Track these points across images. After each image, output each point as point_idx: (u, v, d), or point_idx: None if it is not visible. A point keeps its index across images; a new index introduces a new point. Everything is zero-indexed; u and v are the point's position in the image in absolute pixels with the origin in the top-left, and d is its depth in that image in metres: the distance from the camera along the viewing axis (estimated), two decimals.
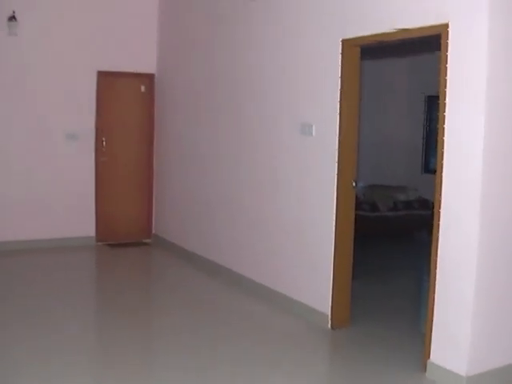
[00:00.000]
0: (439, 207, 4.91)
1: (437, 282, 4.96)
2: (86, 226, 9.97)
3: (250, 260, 7.61)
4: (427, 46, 6.11)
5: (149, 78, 10.30)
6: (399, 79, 12.56)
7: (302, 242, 6.60)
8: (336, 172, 6.07)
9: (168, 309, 7.02)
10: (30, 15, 9.30)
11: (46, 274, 8.41)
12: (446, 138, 4.85)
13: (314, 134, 6.37)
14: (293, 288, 6.74)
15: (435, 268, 4.97)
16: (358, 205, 9.86)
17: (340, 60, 5.98)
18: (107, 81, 9.98)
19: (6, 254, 9.10)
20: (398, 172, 12.44)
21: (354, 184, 6.14)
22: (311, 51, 6.47)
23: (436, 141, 4.99)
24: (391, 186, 11.64)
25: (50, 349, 5.55)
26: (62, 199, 9.77)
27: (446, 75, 4.81)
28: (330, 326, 6.17)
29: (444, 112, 4.85)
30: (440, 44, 4.87)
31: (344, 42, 5.93)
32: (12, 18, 9.05)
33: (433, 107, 11.32)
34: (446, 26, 4.77)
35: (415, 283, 7.15)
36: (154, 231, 10.45)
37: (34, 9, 9.36)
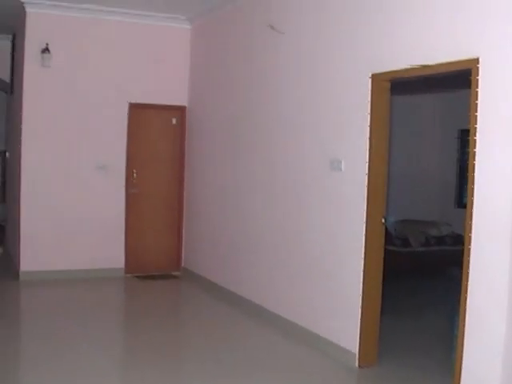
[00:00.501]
0: (469, 243, 4.81)
1: (466, 322, 4.82)
2: (115, 258, 9.97)
3: (276, 295, 7.52)
4: (458, 81, 6.02)
5: (180, 111, 10.33)
6: (432, 113, 12.49)
7: (329, 278, 6.49)
8: (365, 208, 5.97)
9: (194, 343, 6.97)
10: (64, 47, 9.42)
11: (74, 305, 8.41)
12: (476, 174, 4.76)
13: (343, 169, 6.30)
14: (320, 324, 6.63)
15: (464, 307, 4.83)
16: (390, 240, 9.82)
17: (369, 95, 5.92)
18: (139, 112, 10.04)
19: (35, 284, 9.17)
20: (430, 207, 12.31)
21: (383, 220, 6.05)
22: (340, 85, 6.42)
23: None
24: (423, 220, 11.51)
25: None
26: (91, 230, 9.79)
27: (476, 111, 4.72)
28: (357, 364, 6.03)
29: (474, 148, 4.77)
30: (470, 80, 4.80)
31: (374, 76, 5.87)
32: (45, 50, 9.17)
33: (467, 141, 11.20)
34: (476, 61, 4.69)
35: (446, 321, 6.99)
36: (183, 264, 10.41)
37: (68, 41, 9.49)
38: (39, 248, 9.46)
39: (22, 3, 9.11)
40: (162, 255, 10.46)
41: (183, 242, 10.44)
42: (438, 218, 11.71)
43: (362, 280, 5.98)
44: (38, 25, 9.29)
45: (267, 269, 7.76)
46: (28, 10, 9.19)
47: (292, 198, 7.26)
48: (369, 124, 5.93)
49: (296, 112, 7.23)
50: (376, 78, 5.88)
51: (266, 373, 5.97)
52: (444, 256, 10.57)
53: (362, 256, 5.98)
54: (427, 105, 12.42)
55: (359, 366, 6.02)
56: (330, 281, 6.50)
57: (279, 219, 7.52)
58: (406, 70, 5.49)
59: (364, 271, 5.98)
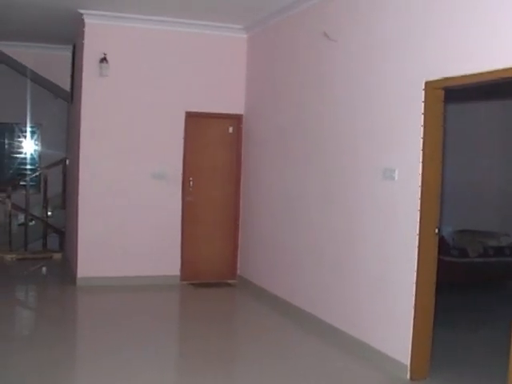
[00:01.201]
0: None
1: None
2: (171, 265, 10.03)
3: (329, 304, 7.47)
4: None
5: (237, 119, 10.36)
6: (490, 121, 12.26)
7: (382, 288, 6.43)
8: (418, 218, 5.89)
9: (247, 353, 6.98)
10: (121, 57, 9.57)
11: (129, 311, 8.54)
12: None
13: (396, 178, 6.24)
14: (371, 334, 6.56)
15: None
16: (447, 250, 9.69)
17: (423, 103, 5.85)
18: (195, 121, 10.11)
19: (92, 290, 9.33)
20: (489, 217, 12.07)
21: (436, 231, 5.96)
22: (394, 93, 6.36)
23: None
24: (482, 231, 11.29)
25: None
26: (148, 237, 9.89)
27: None
28: (408, 376, 5.93)
29: None
30: None
31: (427, 84, 5.80)
32: (103, 59, 9.31)
33: None
34: None
35: (504, 335, 6.83)
36: (238, 272, 10.42)
37: (125, 51, 9.64)
38: (96, 254, 9.61)
39: (81, 14, 9.29)
40: (218, 263, 10.49)
41: (239, 250, 10.46)
42: (498, 229, 11.49)
43: (414, 290, 5.89)
44: (96, 35, 9.47)
45: (321, 278, 7.72)
46: (86, 20, 9.37)
47: (345, 207, 7.22)
48: (422, 132, 5.85)
49: (349, 120, 7.20)
50: (430, 86, 5.79)
51: (314, 383, 5.94)
52: (502, 267, 10.39)
53: (415, 266, 5.89)
54: (485, 112, 12.19)
55: (411, 378, 5.92)
56: (382, 291, 6.43)
57: (333, 228, 7.48)
58: (462, 77, 5.40)
59: (417, 282, 5.88)
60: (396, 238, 6.24)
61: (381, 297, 6.44)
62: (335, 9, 7.61)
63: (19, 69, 12.63)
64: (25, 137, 15.29)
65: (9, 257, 11.75)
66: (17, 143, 15.42)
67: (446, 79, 5.60)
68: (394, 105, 6.36)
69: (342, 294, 7.22)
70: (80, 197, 9.63)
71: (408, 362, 5.94)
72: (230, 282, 10.38)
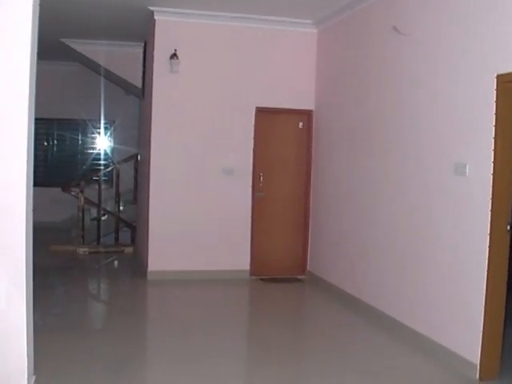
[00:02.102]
0: None
1: None
2: (240, 260, 10.07)
3: (398, 301, 7.38)
4: None
5: (307, 115, 10.33)
6: None
7: (451, 285, 6.31)
8: (489, 214, 5.77)
9: (314, 348, 6.95)
10: (191, 53, 9.65)
11: (198, 304, 8.61)
12: None
13: (467, 173, 6.12)
14: (440, 332, 6.44)
15: None
16: None
17: (495, 96, 5.72)
18: (265, 117, 10.11)
19: (162, 283, 9.46)
20: None
21: (508, 227, 5.82)
22: (465, 87, 6.22)
23: None
24: None
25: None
26: (218, 232, 9.95)
27: None
28: (477, 376, 5.79)
29: None
30: None
31: (499, 77, 5.66)
32: (174, 56, 9.40)
33: None
34: None
35: None
36: (308, 268, 10.40)
37: (195, 47, 9.71)
38: (166, 248, 9.72)
39: (152, 11, 9.39)
40: (288, 258, 10.48)
41: (309, 246, 10.43)
42: None
43: (484, 289, 5.76)
44: (167, 32, 9.57)
45: (389, 274, 7.64)
46: (157, 17, 9.48)
47: (414, 202, 7.11)
48: (493, 127, 5.73)
49: (419, 115, 7.08)
50: (501, 79, 5.66)
51: (382, 381, 5.88)
52: None
53: (486, 264, 5.76)
54: None
55: (480, 378, 5.78)
56: (451, 288, 6.31)
57: (402, 224, 7.39)
58: None
59: (487, 279, 5.76)
60: (466, 234, 6.11)
61: (451, 294, 6.32)
62: (405, 1, 7.51)
63: (92, 66, 12.85)
64: (98, 133, 15.59)
65: (82, 250, 11.99)
66: (90, 139, 15.73)
67: None
68: (465, 99, 6.23)
69: (411, 290, 7.12)
70: (151, 191, 9.76)
71: (477, 362, 5.81)
72: (299, 277, 10.36)
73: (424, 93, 7.01)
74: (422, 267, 6.89)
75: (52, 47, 11.81)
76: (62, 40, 11.73)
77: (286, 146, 10.37)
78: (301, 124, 10.37)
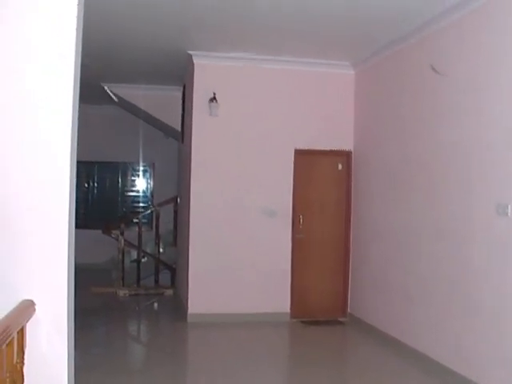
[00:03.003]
0: None
1: None
2: (281, 302, 10.01)
3: (442, 344, 7.25)
4: None
5: (346, 156, 10.32)
6: None
7: (497, 326, 6.19)
8: None
9: None
10: (230, 96, 9.74)
11: (238, 348, 8.54)
12: None
13: (509, 214, 6.04)
14: (485, 376, 6.30)
15: None
16: None
17: None
18: (304, 158, 10.13)
19: (202, 326, 9.44)
20: None
21: None
22: (504, 126, 6.18)
23: None
24: None
25: None
26: (258, 274, 9.92)
27: None
28: None
29: None
30: None
31: None
32: (213, 99, 9.48)
33: None
34: None
35: None
36: (349, 310, 10.29)
37: (234, 90, 9.80)
38: (207, 291, 9.71)
39: (191, 55, 9.52)
40: (328, 300, 10.39)
41: (349, 288, 10.33)
42: None
43: None
44: (206, 75, 9.69)
45: (433, 316, 7.53)
46: (196, 61, 9.60)
47: (457, 243, 7.02)
48: None
49: (460, 154, 7.03)
50: None
51: None
52: None
53: None
54: None
55: None
56: (496, 330, 6.19)
57: (445, 265, 7.29)
58: None
59: None
60: (510, 275, 6.02)
61: (495, 337, 6.20)
62: (443, 42, 7.50)
63: (132, 110, 13.01)
64: (138, 175, 15.74)
65: (122, 292, 12.02)
66: (130, 181, 15.88)
67: None
68: (504, 138, 6.18)
69: (454, 333, 7.00)
70: (191, 234, 9.78)
71: None
72: (340, 319, 10.26)
73: (464, 133, 6.96)
74: (466, 309, 6.78)
75: (93, 91, 12.00)
76: (103, 84, 11.91)
77: (325, 188, 10.34)
78: (340, 165, 10.35)
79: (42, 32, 3.95)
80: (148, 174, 15.82)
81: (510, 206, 6.01)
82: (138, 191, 15.96)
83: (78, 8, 4.03)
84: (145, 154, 14.52)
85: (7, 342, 3.38)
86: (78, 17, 4.13)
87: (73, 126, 4.18)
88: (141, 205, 15.77)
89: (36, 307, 4.14)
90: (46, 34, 3.98)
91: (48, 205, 4.19)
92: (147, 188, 15.90)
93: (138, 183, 15.95)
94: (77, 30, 4.10)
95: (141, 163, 15.26)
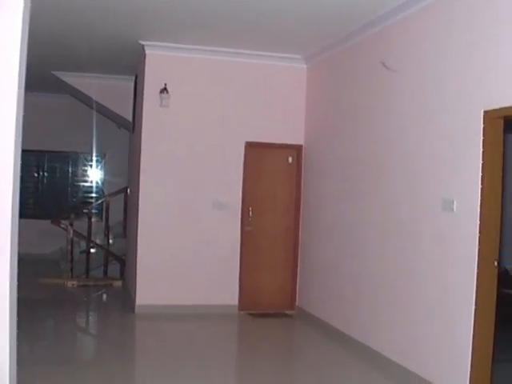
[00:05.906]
0: None
1: None
2: (229, 295, 10.02)
3: (385, 337, 7.35)
4: None
5: (296, 150, 10.35)
6: None
7: (439, 321, 6.29)
8: (477, 250, 5.77)
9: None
10: (181, 87, 9.70)
11: (186, 340, 8.53)
12: None
13: (455, 209, 6.13)
14: (429, 369, 6.39)
15: None
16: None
17: (482, 132, 5.75)
18: (255, 151, 10.14)
19: (150, 318, 9.40)
20: None
21: (495, 263, 5.82)
22: (453, 123, 6.26)
23: None
24: None
25: None
26: (206, 267, 9.91)
27: None
28: None
29: None
30: None
31: (486, 113, 5.71)
32: (164, 90, 9.44)
33: None
34: None
35: None
36: (297, 303, 10.35)
37: (185, 81, 9.77)
38: (155, 283, 9.68)
39: (142, 45, 9.46)
40: (276, 293, 10.43)
41: (298, 281, 10.39)
42: None
43: (472, 324, 5.74)
44: (157, 66, 9.64)
45: (379, 310, 7.62)
46: (147, 51, 9.55)
47: (404, 238, 7.11)
48: (481, 162, 5.75)
49: (407, 150, 7.12)
50: (489, 115, 5.70)
51: None
52: None
53: (473, 299, 5.75)
54: None
55: None
56: (439, 324, 6.29)
57: (392, 260, 7.38)
58: None
59: (475, 315, 5.74)
60: (455, 269, 6.11)
61: (439, 330, 6.30)
62: (394, 38, 7.57)
63: (84, 99, 12.89)
64: (90, 166, 15.61)
65: (70, 283, 11.93)
66: (81, 172, 15.74)
67: (506, 108, 5.50)
68: (452, 135, 6.26)
69: (399, 326, 7.09)
70: (140, 225, 9.74)
71: None
72: (288, 312, 10.31)
73: (413, 128, 7.04)
74: (412, 303, 6.86)
75: (44, 79, 11.87)
76: (54, 72, 11.78)
77: (275, 181, 10.37)
78: (290, 159, 10.38)
79: None
80: (100, 165, 15.70)
81: (455, 202, 6.10)
82: (89, 181, 15.82)
83: None
84: (96, 144, 14.37)
85: None
86: (25, 4, 4.08)
87: (17, 115, 4.13)
88: (92, 195, 15.65)
89: None
90: None
91: None
92: (99, 178, 15.78)
93: (89, 173, 15.81)
94: (23, 17, 4.06)
95: (94, 153, 15.12)
